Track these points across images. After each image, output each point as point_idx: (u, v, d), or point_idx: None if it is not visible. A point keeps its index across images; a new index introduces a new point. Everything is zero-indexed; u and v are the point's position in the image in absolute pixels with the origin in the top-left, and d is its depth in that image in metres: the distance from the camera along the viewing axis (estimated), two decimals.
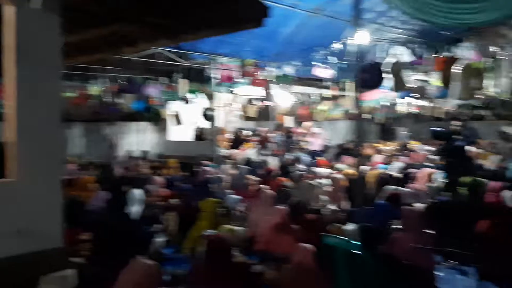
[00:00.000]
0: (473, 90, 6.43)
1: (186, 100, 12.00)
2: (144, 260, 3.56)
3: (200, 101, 12.31)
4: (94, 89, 11.51)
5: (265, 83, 11.30)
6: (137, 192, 7.46)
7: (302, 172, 9.54)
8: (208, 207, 6.10)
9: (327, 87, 12.51)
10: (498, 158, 10.97)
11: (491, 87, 9.68)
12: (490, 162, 10.75)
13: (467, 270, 4.96)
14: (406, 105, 15.75)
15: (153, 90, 11.80)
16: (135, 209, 7.19)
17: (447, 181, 7.68)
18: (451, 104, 16.01)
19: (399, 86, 6.98)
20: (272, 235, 5.59)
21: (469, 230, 5.50)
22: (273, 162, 11.42)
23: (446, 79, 6.74)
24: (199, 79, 11.79)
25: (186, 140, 14.14)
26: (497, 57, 8.18)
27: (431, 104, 16.09)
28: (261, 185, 8.32)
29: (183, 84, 11.51)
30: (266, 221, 5.95)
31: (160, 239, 6.48)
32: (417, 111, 17.27)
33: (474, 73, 6.85)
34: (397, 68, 6.87)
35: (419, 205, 7.25)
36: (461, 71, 6.26)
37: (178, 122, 11.96)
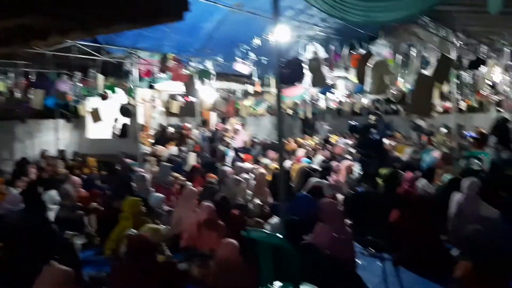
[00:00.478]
0: (386, 86, 6.80)
1: (104, 96, 11.59)
2: (60, 266, 3.40)
3: (119, 97, 11.94)
4: (1, 84, 10.75)
5: (187, 78, 11.16)
6: (52, 194, 7.12)
7: (228, 168, 9.59)
8: (129, 207, 5.94)
9: (251, 83, 12.64)
10: (412, 150, 11.73)
11: (403, 83, 10.32)
12: (405, 154, 11.47)
13: (386, 257, 5.26)
14: (327, 100, 16.30)
15: (67, 86, 11.25)
16: (50, 212, 6.86)
17: (364, 172, 8.10)
18: (367, 99, 16.79)
19: (318, 81, 7.22)
20: (198, 232, 5.58)
21: (385, 219, 5.83)
22: (195, 159, 11.37)
23: (361, 75, 7.07)
24: (117, 74, 11.43)
25: (106, 138, 13.70)
26: (408, 54, 8.72)
27: (350, 100, 16.77)
28: (185, 182, 8.27)
29: (100, 80, 11.09)
30: (192, 218, 5.92)
31: (78, 242, 6.26)
32: (337, 106, 17.93)
33: (387, 70, 7.25)
34: (316, 64, 7.10)
35: (339, 197, 7.60)
36: (374, 68, 6.62)
37: (97, 119, 11.52)
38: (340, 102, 17.11)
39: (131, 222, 5.72)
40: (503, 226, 5.45)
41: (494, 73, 10.33)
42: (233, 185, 7.55)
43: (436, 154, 10.38)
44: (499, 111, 17.41)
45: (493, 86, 12.92)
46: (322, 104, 16.62)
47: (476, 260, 3.74)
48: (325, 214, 4.96)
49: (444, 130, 15.98)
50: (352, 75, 9.34)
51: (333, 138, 15.84)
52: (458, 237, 6.03)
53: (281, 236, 4.14)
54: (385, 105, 20.59)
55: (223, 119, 15.51)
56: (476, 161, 9.36)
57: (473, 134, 15.33)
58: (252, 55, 10.94)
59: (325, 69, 7.34)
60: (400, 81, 9.97)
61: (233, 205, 6.68)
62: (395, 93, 12.83)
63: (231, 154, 12.46)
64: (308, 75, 7.26)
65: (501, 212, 5.77)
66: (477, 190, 6.06)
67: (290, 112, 16.99)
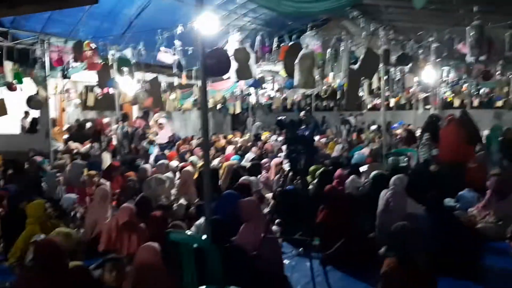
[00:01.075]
0: (313, 80, 6.95)
1: (11, 86, 10.92)
2: None
3: (27, 88, 11.31)
4: None
5: (105, 68, 10.77)
6: None
7: (149, 166, 9.41)
8: (33, 211, 5.62)
9: (177, 75, 12.42)
10: (341, 147, 12.13)
11: (333, 77, 10.62)
12: (335, 151, 11.84)
13: (314, 256, 5.38)
14: (258, 95, 16.48)
15: None
16: None
17: (293, 170, 8.25)
18: (298, 94, 17.16)
19: (243, 74, 7.22)
20: (117, 235, 5.44)
21: (313, 218, 5.98)
22: (111, 156, 11.07)
23: (289, 68, 7.17)
24: (25, 61, 10.82)
25: (13, 133, 12.99)
26: (338, 48, 8.99)
27: (280, 95, 17.05)
28: (102, 182, 8.01)
29: (8, 67, 10.44)
30: (110, 220, 5.75)
31: None
32: (268, 101, 18.19)
33: (314, 63, 7.39)
34: (242, 55, 7.09)
35: (268, 195, 7.70)
36: (303, 61, 6.73)
37: (2, 112, 10.84)
38: (271, 97, 17.37)
39: (39, 226, 5.45)
40: (428, 222, 5.78)
41: (423, 70, 10.89)
42: (155, 184, 7.42)
43: (365, 151, 10.79)
44: (426, 108, 18.46)
45: (421, 83, 13.62)
46: (252, 99, 16.79)
47: (401, 256, 3.92)
48: (245, 214, 5.00)
49: (373, 126, 16.71)
50: (282, 69, 9.47)
51: (264, 135, 16.05)
52: (385, 234, 6.32)
53: (204, 238, 4.12)
54: (318, 101, 21.21)
55: (146, 113, 15.18)
56: (403, 158, 9.82)
57: (396, 126, 16.21)
58: (178, 44, 10.75)
59: (252, 61, 7.36)
60: (331, 76, 10.25)
61: (155, 206, 6.57)
62: (325, 88, 13.23)
63: (155, 151, 12.24)
64: (234, 67, 7.27)
65: (426, 208, 6.10)
66: (404, 186, 6.36)
67: (219, 106, 16.99)
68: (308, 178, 7.76)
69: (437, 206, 5.89)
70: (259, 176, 8.65)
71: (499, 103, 18.22)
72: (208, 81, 12.51)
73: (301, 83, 6.70)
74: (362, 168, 8.71)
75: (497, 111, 20.09)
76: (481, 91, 17.06)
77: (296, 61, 6.74)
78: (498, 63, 10.04)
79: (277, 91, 16.27)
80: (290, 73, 7.13)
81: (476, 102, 19.20)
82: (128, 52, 11.27)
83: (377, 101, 18.18)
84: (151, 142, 12.98)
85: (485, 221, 6.53)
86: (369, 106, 19.84)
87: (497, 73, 10.55)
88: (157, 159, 10.91)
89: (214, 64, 5.72)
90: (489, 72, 10.79)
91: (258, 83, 12.94)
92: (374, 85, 12.05)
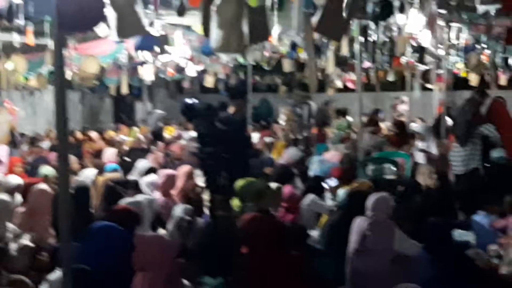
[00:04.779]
0: (242, 40, 6.78)
1: None
2: None
3: None
4: None
5: None
6: None
7: None
8: None
9: (18, 30, 11.98)
10: (296, 149, 12.13)
11: (278, 37, 10.57)
12: (285, 156, 11.81)
13: None
14: (157, 65, 16.14)
15: None
16: None
17: (208, 185, 8.15)
18: (224, 64, 17.01)
19: (129, 28, 6.99)
20: None
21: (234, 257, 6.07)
22: None
23: (206, 23, 7.00)
24: None
25: None
26: None
27: (196, 65, 16.81)
28: None
29: None
30: None
31: None
32: (174, 76, 17.96)
33: (254, 12, 7.25)
34: (124, 1, 6.85)
35: (169, 227, 7.60)
36: (224, 9, 6.53)
37: None
38: (180, 69, 17.12)
39: None
40: (427, 268, 5.93)
41: (418, 27, 11.03)
42: None
43: (331, 156, 10.93)
44: (426, 88, 18.86)
45: (419, 49, 13.87)
46: (148, 72, 16.46)
47: None
48: (137, 258, 4.98)
49: (349, 119, 16.90)
50: (197, 23, 9.27)
51: (169, 130, 15.98)
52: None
53: None
54: (258, 75, 21.25)
55: None
56: (390, 166, 10.03)
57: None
58: None
59: (139, 8, 7.15)
60: (275, 35, 10.19)
61: None
62: (268, 55, 13.21)
63: None
64: (112, 17, 7.01)
65: (425, 245, 6.25)
66: (389, 211, 6.49)
67: (92, 84, 16.65)
68: (235, 202, 7.82)
69: (441, 242, 6.07)
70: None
71: None
72: (70, 40, 12.23)
73: (220, 44, 6.54)
74: (330, 183, 8.87)
75: None
76: (511, 61, 17.39)
77: (214, 8, 6.59)
78: None
79: (191, 59, 16.06)
80: (206, 31, 6.96)
81: (503, 79, 19.56)
82: None
83: (351, 76, 18.51)
84: None
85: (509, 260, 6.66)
86: (338, 85, 20.14)
87: None
88: None
89: (76, 11, 5.44)
90: None
91: (153, 44, 12.59)
92: (344, 51, 12.20)
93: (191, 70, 17.00)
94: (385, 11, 9.14)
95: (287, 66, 15.80)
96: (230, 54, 8.27)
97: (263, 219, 6.70)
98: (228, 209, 7.46)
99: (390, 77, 19.28)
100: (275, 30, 9.57)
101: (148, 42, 11.98)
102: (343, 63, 13.96)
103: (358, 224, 6.50)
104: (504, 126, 9.50)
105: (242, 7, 6.78)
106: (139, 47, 12.71)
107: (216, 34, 6.79)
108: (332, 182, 9.06)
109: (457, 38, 12.47)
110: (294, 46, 13.00)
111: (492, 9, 7.82)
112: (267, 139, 14.06)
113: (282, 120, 18.01)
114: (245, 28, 6.80)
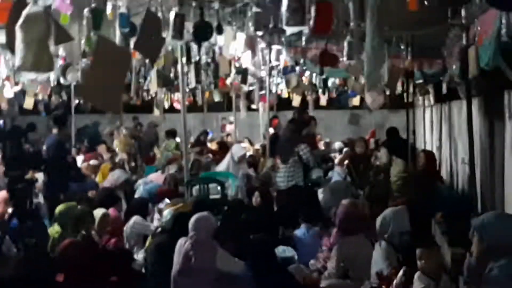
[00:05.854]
0: (52, 58, 6.53)
1: None
2: None
3: None
4: None
5: None
6: None
7: None
8: None
9: None
10: (120, 174, 11.87)
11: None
12: (110, 179, 11.47)
13: None
14: None
15: None
16: None
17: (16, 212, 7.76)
18: (44, 84, 16.38)
19: None
20: None
21: None
22: None
23: (10, 41, 6.69)
24: None
25: None
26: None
27: (11, 85, 16.07)
28: None
29: None
30: None
31: None
32: None
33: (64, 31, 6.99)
34: None
35: None
36: (31, 27, 6.24)
37: None
38: None
39: None
40: (252, 285, 6.03)
41: (239, 49, 11.16)
42: None
43: (155, 177, 10.85)
44: (251, 109, 19.14)
45: (242, 70, 14.02)
46: None
47: None
48: None
49: (178, 140, 16.86)
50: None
51: None
52: None
53: None
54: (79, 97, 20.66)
55: None
56: (216, 186, 10.15)
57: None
58: None
59: None
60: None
61: None
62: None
63: None
64: None
65: (249, 263, 6.34)
66: (210, 231, 6.55)
67: None
68: (53, 229, 7.60)
69: (263, 259, 6.18)
70: None
71: (355, 101, 19.31)
72: None
73: (30, 62, 6.26)
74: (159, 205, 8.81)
75: (353, 113, 21.64)
76: (330, 82, 17.88)
77: (17, 25, 6.30)
78: (343, 37, 9.72)
79: (7, 79, 15.30)
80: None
81: (324, 100, 20.15)
82: None
83: (177, 97, 18.40)
84: None
85: (328, 273, 6.83)
86: (165, 105, 20.03)
87: (343, 56, 10.34)
88: None
89: None
90: (327, 52, 10.92)
91: None
92: (167, 71, 12.18)
93: (8, 91, 16.29)
94: (201, 32, 9.11)
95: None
96: (41, 73, 7.90)
97: (80, 245, 6.57)
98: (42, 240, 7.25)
99: (216, 98, 19.37)
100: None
101: None
102: (169, 84, 13.86)
103: (181, 244, 6.50)
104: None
105: (50, 25, 6.55)
106: None
107: (21, 51, 6.48)
108: (162, 204, 8.99)
109: (277, 59, 12.66)
110: None
111: (296, 31, 7.93)
112: (92, 162, 13.74)
113: (114, 142, 17.63)
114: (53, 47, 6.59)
